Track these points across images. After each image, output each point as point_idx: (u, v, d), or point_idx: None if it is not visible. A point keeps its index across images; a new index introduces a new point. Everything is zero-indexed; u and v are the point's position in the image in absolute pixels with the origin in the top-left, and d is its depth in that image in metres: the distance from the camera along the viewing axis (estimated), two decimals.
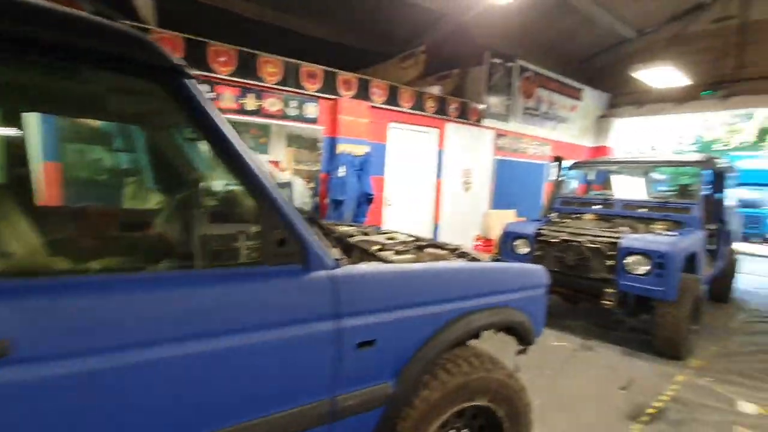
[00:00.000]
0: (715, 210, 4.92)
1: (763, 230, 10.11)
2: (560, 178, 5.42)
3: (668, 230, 4.21)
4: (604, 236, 3.90)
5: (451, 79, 6.88)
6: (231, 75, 4.19)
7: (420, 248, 1.97)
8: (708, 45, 8.17)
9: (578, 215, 5.11)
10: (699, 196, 4.36)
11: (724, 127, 19.29)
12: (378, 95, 5.66)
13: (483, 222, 7.38)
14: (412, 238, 2.28)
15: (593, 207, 5.11)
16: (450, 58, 7.09)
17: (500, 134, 7.38)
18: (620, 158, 5.22)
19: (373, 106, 5.56)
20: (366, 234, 2.51)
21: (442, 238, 6.74)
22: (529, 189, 8.12)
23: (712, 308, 5.51)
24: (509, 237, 4.60)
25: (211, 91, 4.09)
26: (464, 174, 6.93)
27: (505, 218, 7.21)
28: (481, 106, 6.93)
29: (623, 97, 9.51)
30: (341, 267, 1.29)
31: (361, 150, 5.41)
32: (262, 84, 4.45)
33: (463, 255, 2.10)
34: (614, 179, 5.61)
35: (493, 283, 1.70)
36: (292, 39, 6.71)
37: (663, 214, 4.50)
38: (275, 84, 4.52)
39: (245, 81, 4.31)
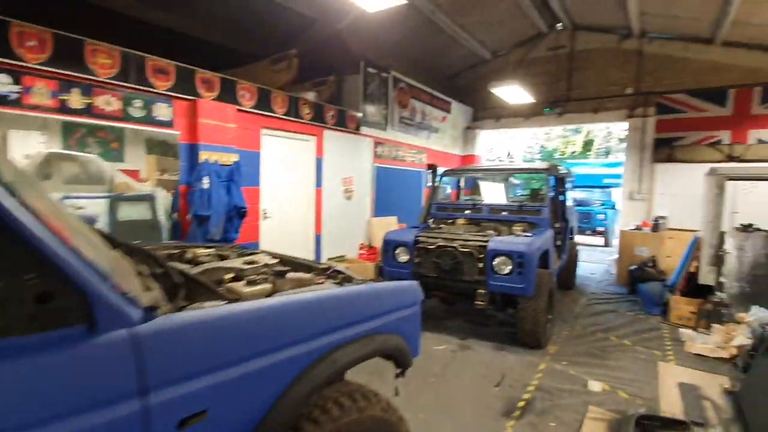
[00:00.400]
0: (559, 210, 5.65)
1: (594, 224, 12.26)
2: (435, 185, 5.65)
3: (525, 231, 4.66)
4: (474, 240, 4.12)
5: (327, 86, 6.72)
6: (45, 64, 3.32)
7: (281, 273, 1.70)
8: (546, 69, 9.58)
9: (453, 220, 5.38)
10: (547, 199, 4.94)
11: (560, 139, 23.09)
12: (247, 98, 5.18)
13: (366, 230, 7.37)
14: (276, 260, 1.99)
15: (465, 212, 5.43)
16: (325, 65, 6.95)
17: (379, 142, 7.47)
18: (483, 166, 5.71)
19: (240, 110, 5.06)
20: (223, 258, 2.13)
21: (325, 249, 6.51)
22: (409, 195, 8.41)
23: (561, 295, 6.34)
24: (390, 245, 4.59)
25: (15, 84, 3.17)
26: (345, 182, 6.82)
27: (388, 225, 7.31)
28: (359, 114, 6.92)
29: (484, 111, 10.60)
30: (155, 318, 0.95)
31: (229, 158, 4.87)
32: (92, 78, 3.64)
33: (334, 275, 1.89)
34: (481, 185, 6.10)
35: (363, 309, 1.52)
36: (144, 31, 5.79)
37: (520, 216, 4.99)
38: (111, 78, 3.74)
39: (64, 72, 3.47)
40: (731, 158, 7.39)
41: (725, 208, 4.99)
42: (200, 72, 4.60)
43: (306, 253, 6.18)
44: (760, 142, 7.44)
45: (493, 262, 3.90)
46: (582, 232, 12.44)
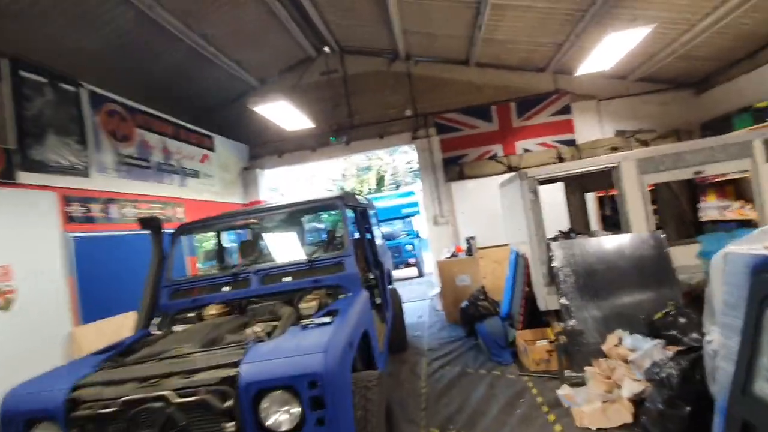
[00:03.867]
0: (370, 254, 3.98)
1: (404, 256, 11.67)
2: (160, 256, 3.18)
3: (323, 305, 2.70)
4: (208, 367, 1.85)
5: None
6: None
7: None
8: (323, 95, 8.45)
9: (200, 310, 2.99)
10: (347, 243, 3.13)
11: (355, 178, 23.45)
12: None
13: (69, 350, 4.15)
14: None
15: (222, 290, 3.12)
16: None
17: (73, 197, 4.47)
18: (238, 211, 3.53)
19: None
20: None
21: None
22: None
23: (395, 364, 4.63)
24: (13, 426, 1.85)
25: None
26: None
27: (116, 332, 4.30)
28: (11, 147, 3.87)
29: (263, 146, 8.71)
30: None
31: None
32: None
33: None
34: (262, 239, 3.91)
35: None
36: None
37: (313, 280, 3.02)
38: None
39: None
40: (511, 168, 7.50)
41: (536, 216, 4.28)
42: None
43: None
44: (526, 151, 7.82)
45: (260, 413, 1.71)
46: (395, 266, 11.68)
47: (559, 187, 6.22)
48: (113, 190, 5.01)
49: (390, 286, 5.50)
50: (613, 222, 6.85)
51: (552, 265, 4.06)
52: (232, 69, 7.38)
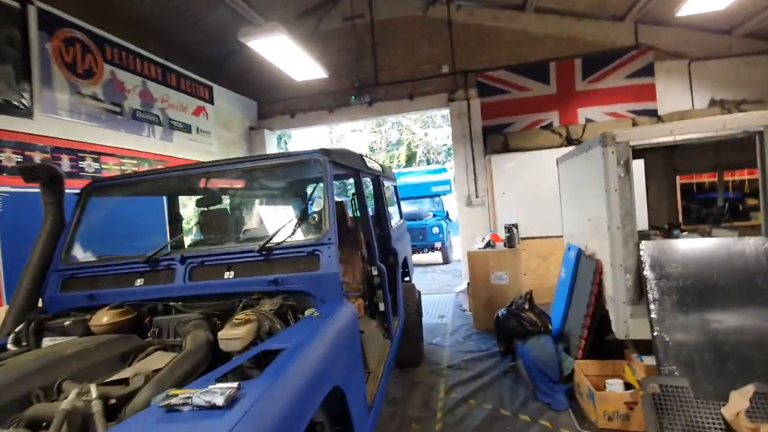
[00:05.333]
0: (374, 240, 2.77)
1: (429, 240, 10.41)
2: (50, 220, 2.11)
3: (264, 332, 1.53)
4: None
5: None
6: None
7: None
8: (345, 45, 7.15)
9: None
10: (330, 226, 1.91)
11: (385, 154, 22.12)
12: None
13: None
14: None
15: (136, 283, 2.02)
16: None
17: (5, 140, 3.50)
18: (181, 167, 2.34)
19: None
20: None
21: None
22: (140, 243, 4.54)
23: (404, 386, 3.48)
24: None
25: None
26: None
27: None
28: None
29: (273, 105, 7.58)
30: None
31: None
32: None
33: None
34: (209, 216, 2.77)
35: None
36: None
37: (269, 279, 1.85)
38: None
39: None
40: (569, 141, 6.01)
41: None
42: None
43: None
44: (588, 121, 6.28)
45: None
46: (417, 250, 10.47)
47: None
48: (67, 137, 4.01)
49: (407, 280, 4.33)
50: (698, 217, 5.32)
51: (644, 274, 2.72)
52: (240, 8, 6.18)
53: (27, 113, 3.66)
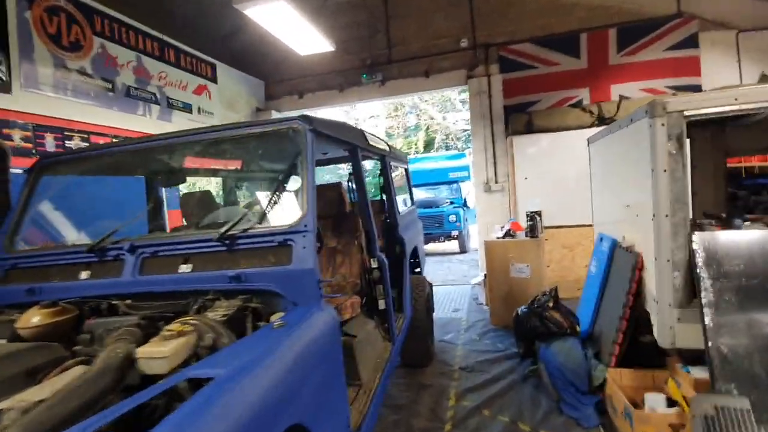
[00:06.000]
0: (388, 228, 2.39)
1: (445, 228, 9.96)
2: (21, 202, 1.81)
3: (205, 348, 1.17)
4: None
5: None
6: None
7: None
8: (356, 18, 6.69)
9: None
10: (308, 210, 1.52)
11: (403, 140, 21.57)
12: None
13: None
14: None
15: (81, 276, 1.70)
16: None
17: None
18: (140, 139, 1.98)
19: None
20: None
21: None
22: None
23: (411, 387, 3.13)
24: None
25: None
26: None
27: None
28: None
29: (280, 84, 7.22)
30: None
31: None
32: None
33: None
34: (189, 198, 2.42)
35: None
36: None
37: (231, 274, 1.49)
38: None
39: None
40: (602, 120, 5.43)
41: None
42: None
43: None
44: (623, 98, 5.66)
45: None
46: (434, 239, 10.06)
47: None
48: (51, 114, 3.74)
49: (417, 272, 3.94)
50: (746, 205, 4.71)
51: (697, 272, 2.25)
52: None
53: (4, 88, 3.39)
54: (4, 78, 3.39)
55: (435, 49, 6.44)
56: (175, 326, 1.16)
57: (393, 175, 4.35)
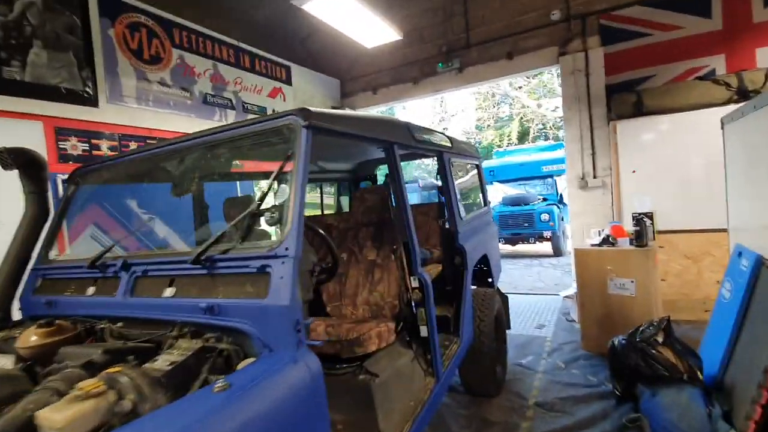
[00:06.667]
0: (447, 236, 2.00)
1: (537, 228, 8.96)
2: (32, 210, 1.84)
3: (154, 391, 0.91)
4: None
5: None
6: None
7: None
8: (431, 3, 6.20)
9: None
10: (294, 226, 1.20)
11: (495, 132, 20.33)
12: None
13: None
14: None
15: (87, 292, 1.62)
16: None
17: (71, 129, 3.57)
18: (148, 148, 1.84)
19: None
20: None
21: None
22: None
23: (472, 421, 2.66)
24: None
25: None
26: None
27: None
28: None
29: (353, 82, 7.08)
30: None
31: None
32: None
33: None
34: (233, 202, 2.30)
35: None
36: None
37: (204, 305, 1.24)
38: None
39: None
40: (741, 95, 4.20)
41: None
42: None
43: None
44: None
45: None
46: (523, 240, 9.15)
47: None
48: (134, 124, 4.03)
49: (489, 282, 3.44)
50: None
51: None
52: None
53: (92, 102, 3.72)
54: (91, 93, 3.71)
55: (519, 27, 5.67)
56: (88, 383, 0.94)
57: (468, 175, 3.87)
